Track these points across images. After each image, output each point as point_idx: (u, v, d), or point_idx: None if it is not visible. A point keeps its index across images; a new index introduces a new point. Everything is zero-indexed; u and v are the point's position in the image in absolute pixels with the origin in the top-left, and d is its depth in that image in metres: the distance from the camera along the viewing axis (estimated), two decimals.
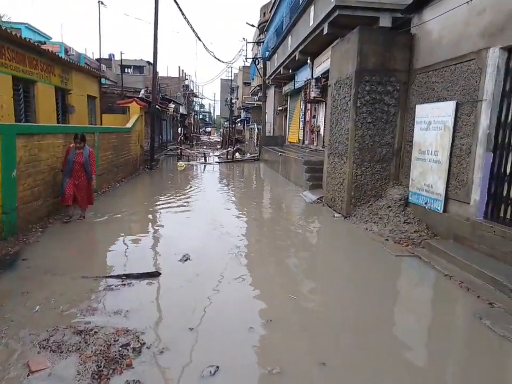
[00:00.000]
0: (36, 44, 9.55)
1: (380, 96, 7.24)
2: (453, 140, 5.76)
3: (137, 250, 5.49)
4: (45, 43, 18.81)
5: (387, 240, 6.01)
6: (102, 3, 25.21)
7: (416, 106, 6.80)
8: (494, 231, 4.80)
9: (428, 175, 6.33)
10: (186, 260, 4.98)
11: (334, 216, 7.74)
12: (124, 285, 4.15)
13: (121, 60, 27.50)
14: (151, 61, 16.43)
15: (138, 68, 35.71)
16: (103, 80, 18.47)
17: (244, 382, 2.70)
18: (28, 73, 9.06)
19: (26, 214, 6.05)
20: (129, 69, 35.40)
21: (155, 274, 4.45)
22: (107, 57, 33.64)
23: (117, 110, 17.81)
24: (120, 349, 2.93)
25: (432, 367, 2.97)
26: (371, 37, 7.15)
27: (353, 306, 3.99)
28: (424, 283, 4.78)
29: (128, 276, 4.33)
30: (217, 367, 2.74)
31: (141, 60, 36.07)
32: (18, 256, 4.91)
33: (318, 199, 9.10)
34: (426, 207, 6.30)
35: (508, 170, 4.88)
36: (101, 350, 2.89)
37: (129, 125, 14.30)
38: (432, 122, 6.27)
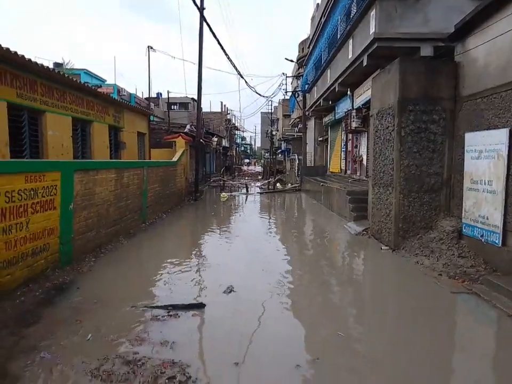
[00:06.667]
0: (93, 87, 10.43)
1: (425, 125, 7.08)
2: (509, 169, 5.44)
3: (183, 280, 5.57)
4: (100, 86, 20.49)
5: (440, 275, 5.65)
6: (152, 48, 27.31)
7: (465, 134, 6.55)
8: None
9: (482, 206, 5.98)
10: (230, 292, 4.97)
11: (381, 248, 7.45)
12: (170, 315, 4.20)
13: (168, 98, 29.23)
14: (196, 97, 17.32)
15: (184, 105, 37.63)
16: (151, 118, 19.65)
17: None
18: (85, 114, 9.86)
19: (81, 244, 6.41)
20: (175, 106, 37.40)
21: (200, 306, 4.47)
22: (155, 96, 35.88)
23: (164, 144, 18.74)
24: (167, 381, 2.94)
25: None
26: (412, 67, 7.10)
27: (405, 348, 3.72)
28: (486, 323, 4.39)
29: (174, 307, 4.39)
30: None
31: (186, 97, 38.04)
32: (72, 284, 5.17)
33: (363, 230, 8.84)
34: (483, 240, 5.90)
35: None
36: (148, 382, 2.92)
37: (175, 159, 14.94)
38: (484, 150, 5.99)
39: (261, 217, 12.82)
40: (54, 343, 3.51)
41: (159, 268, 6.14)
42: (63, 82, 8.58)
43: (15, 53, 6.56)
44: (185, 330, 3.89)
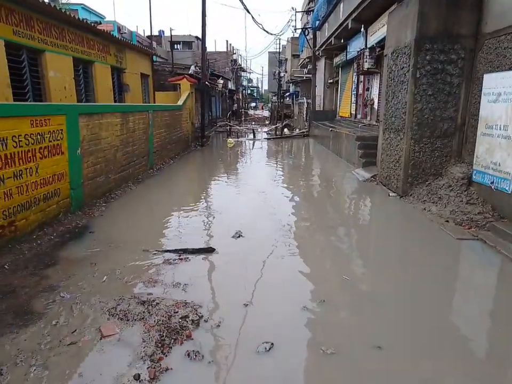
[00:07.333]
0: (93, 24, 9.87)
1: (442, 65, 6.70)
2: None
3: (193, 225, 5.69)
4: (100, 23, 19.41)
5: (447, 221, 5.69)
6: None
7: (484, 76, 6.21)
8: None
9: (495, 152, 5.84)
10: (239, 237, 5.09)
11: (389, 195, 7.45)
12: (181, 259, 4.34)
13: (171, 36, 27.76)
14: (200, 35, 16.42)
15: (187, 44, 35.98)
16: (154, 58, 18.83)
17: (299, 360, 2.75)
18: (86, 53, 9.45)
19: (91, 189, 6.48)
20: (178, 45, 35.74)
21: (210, 250, 4.60)
22: (157, 34, 34.14)
23: (168, 87, 18.16)
24: (180, 320, 3.10)
25: (495, 361, 2.83)
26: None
27: (410, 291, 3.84)
28: (489, 268, 4.48)
29: (185, 251, 4.52)
30: (272, 344, 2.82)
31: (190, 35, 36.25)
32: (85, 229, 5.31)
33: (371, 177, 8.79)
34: (493, 186, 5.85)
35: None
36: (162, 321, 3.08)
37: (180, 102, 14.57)
38: (503, 93, 5.71)
39: (269, 163, 12.76)
40: (72, 284, 3.68)
41: (168, 213, 6.25)
42: (61, 19, 8.12)
43: None
44: (196, 273, 4.03)
